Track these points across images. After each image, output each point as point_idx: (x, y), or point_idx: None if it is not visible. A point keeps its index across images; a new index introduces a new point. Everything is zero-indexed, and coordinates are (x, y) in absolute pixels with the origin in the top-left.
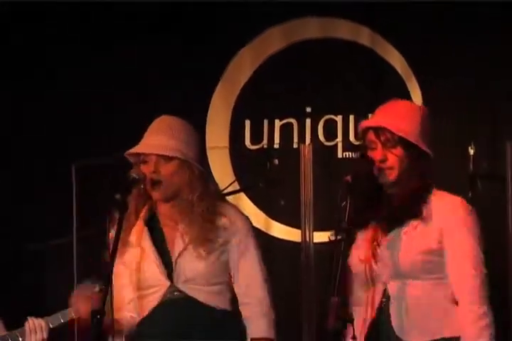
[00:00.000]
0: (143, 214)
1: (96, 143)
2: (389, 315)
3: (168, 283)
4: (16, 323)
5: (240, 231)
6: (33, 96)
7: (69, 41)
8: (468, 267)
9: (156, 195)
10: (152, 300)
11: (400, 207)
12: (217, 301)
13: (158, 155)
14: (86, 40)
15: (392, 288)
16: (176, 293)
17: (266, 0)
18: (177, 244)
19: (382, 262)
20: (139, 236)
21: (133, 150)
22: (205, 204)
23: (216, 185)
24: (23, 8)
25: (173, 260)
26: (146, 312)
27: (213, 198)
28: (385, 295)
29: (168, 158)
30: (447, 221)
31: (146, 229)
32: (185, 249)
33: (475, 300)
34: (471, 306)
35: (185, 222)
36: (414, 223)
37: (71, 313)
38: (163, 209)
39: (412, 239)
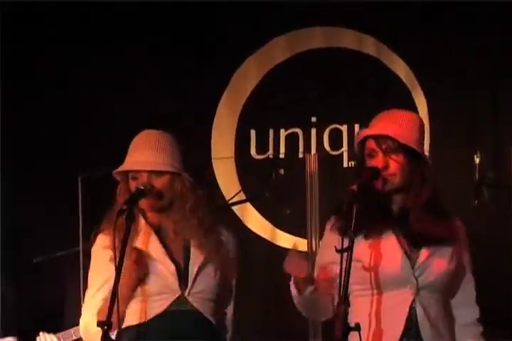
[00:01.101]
0: (146, 223)
1: (99, 151)
2: (417, 325)
3: (178, 293)
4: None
5: (234, 246)
6: (34, 98)
7: (70, 41)
8: (472, 289)
9: (150, 204)
10: (157, 307)
11: (427, 233)
12: (217, 316)
13: (148, 171)
14: (91, 42)
15: (422, 301)
16: (182, 304)
17: (271, 10)
18: (187, 254)
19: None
20: (146, 244)
21: (123, 168)
22: (198, 215)
23: (203, 196)
24: (23, 8)
25: (190, 271)
26: (146, 318)
27: (205, 210)
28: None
29: (160, 173)
30: (460, 243)
31: (155, 237)
32: (201, 261)
33: (478, 321)
34: (477, 327)
35: (186, 233)
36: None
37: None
38: (158, 220)
39: (441, 257)
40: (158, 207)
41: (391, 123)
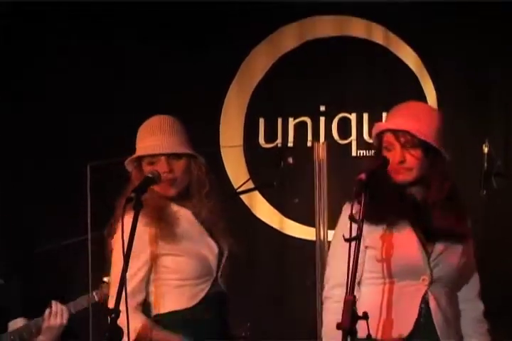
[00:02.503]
0: (179, 206)
1: (109, 142)
2: (430, 315)
3: (214, 275)
4: None
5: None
6: (37, 87)
7: (72, 41)
8: (477, 283)
9: (171, 192)
10: (200, 291)
11: (446, 229)
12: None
13: (167, 155)
14: (95, 30)
15: (434, 293)
16: (216, 285)
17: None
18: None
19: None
20: (191, 228)
21: (141, 152)
22: (213, 201)
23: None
24: (23, 8)
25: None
26: (195, 301)
27: (218, 196)
28: (425, 298)
29: (178, 156)
30: (470, 241)
31: (197, 222)
32: (229, 244)
33: (484, 316)
34: (483, 324)
35: (206, 218)
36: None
37: (94, 297)
38: (175, 206)
39: (453, 252)
40: (179, 194)
41: (410, 118)
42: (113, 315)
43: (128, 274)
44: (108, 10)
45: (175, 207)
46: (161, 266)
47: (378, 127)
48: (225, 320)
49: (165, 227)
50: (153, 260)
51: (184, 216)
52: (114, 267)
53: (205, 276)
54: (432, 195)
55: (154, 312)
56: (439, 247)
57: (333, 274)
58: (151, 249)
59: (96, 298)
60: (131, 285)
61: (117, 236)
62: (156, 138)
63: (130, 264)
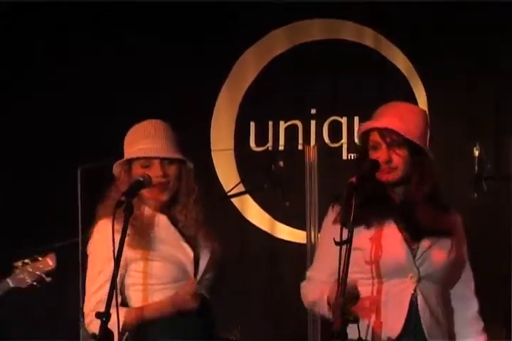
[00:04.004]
0: (155, 213)
1: (97, 142)
2: (418, 314)
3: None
4: None
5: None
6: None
7: (70, 40)
8: (471, 281)
9: (164, 197)
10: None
11: (429, 225)
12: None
13: (161, 159)
14: (90, 31)
15: (423, 291)
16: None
17: (270, 1)
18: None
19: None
20: (166, 233)
21: (135, 155)
22: (200, 206)
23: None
24: (24, 7)
25: (201, 258)
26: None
27: (204, 202)
28: (415, 295)
29: (170, 161)
30: (459, 236)
31: (172, 227)
32: (210, 249)
33: (478, 314)
34: (478, 323)
35: (190, 223)
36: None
37: (8, 283)
38: (164, 210)
39: (441, 249)
40: (167, 198)
41: (396, 117)
42: (104, 319)
43: (103, 278)
44: (108, 10)
45: (149, 212)
46: (136, 271)
47: (364, 126)
48: (209, 323)
49: (138, 232)
50: (127, 265)
51: (159, 221)
52: (90, 270)
53: (182, 281)
54: (412, 193)
55: None
56: (424, 244)
57: (316, 271)
58: (125, 254)
59: (11, 284)
60: (107, 287)
61: (93, 239)
62: (150, 141)
63: (105, 268)
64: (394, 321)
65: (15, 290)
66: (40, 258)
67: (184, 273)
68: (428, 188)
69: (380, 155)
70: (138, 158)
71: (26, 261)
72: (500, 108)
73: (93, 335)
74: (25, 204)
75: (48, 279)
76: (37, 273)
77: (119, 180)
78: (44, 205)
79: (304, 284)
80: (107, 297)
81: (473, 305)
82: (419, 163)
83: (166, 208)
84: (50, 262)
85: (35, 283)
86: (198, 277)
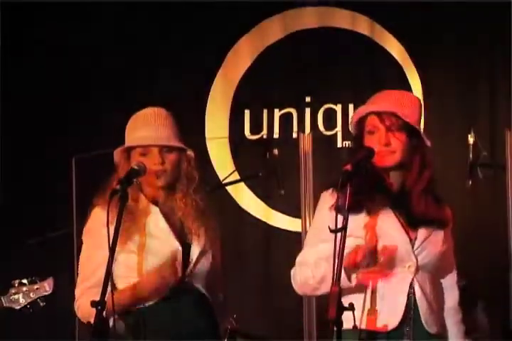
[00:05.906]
0: (148, 202)
1: (95, 134)
2: (416, 304)
3: (180, 273)
4: None
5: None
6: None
7: (70, 37)
8: (455, 273)
9: (159, 182)
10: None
11: (428, 215)
12: (211, 293)
13: (160, 147)
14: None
15: (419, 281)
16: (186, 284)
17: None
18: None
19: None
20: (155, 223)
21: (134, 143)
22: (200, 196)
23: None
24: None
25: (192, 251)
26: (156, 299)
27: (205, 191)
28: (412, 285)
29: (170, 149)
30: (449, 227)
31: (161, 216)
32: (203, 242)
33: (458, 305)
34: (457, 313)
35: (187, 213)
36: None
37: (2, 303)
38: (159, 198)
39: (436, 239)
40: (167, 185)
41: (394, 101)
42: (99, 307)
43: (93, 265)
44: (108, 10)
45: (143, 204)
46: (123, 264)
47: (362, 110)
48: (207, 317)
49: (129, 224)
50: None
51: (151, 213)
52: (82, 256)
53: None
54: (412, 181)
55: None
56: (422, 233)
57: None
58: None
59: (4, 304)
60: (97, 276)
61: (87, 227)
62: (149, 128)
63: (95, 254)
64: (394, 309)
65: (7, 310)
66: (38, 282)
67: (170, 267)
68: (429, 177)
69: (377, 138)
70: (137, 146)
71: (24, 281)
72: (495, 96)
73: (88, 324)
74: (19, 195)
75: (42, 304)
76: (32, 295)
77: (119, 168)
78: (39, 196)
79: (296, 271)
80: (98, 283)
81: (454, 296)
82: (417, 149)
83: (164, 197)
84: (47, 287)
85: (28, 306)
86: (188, 270)
